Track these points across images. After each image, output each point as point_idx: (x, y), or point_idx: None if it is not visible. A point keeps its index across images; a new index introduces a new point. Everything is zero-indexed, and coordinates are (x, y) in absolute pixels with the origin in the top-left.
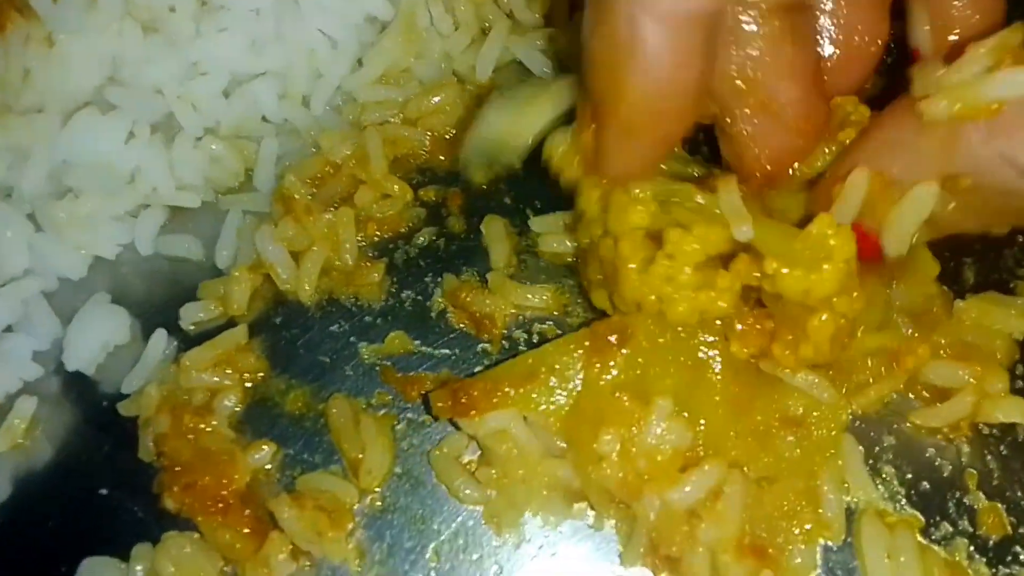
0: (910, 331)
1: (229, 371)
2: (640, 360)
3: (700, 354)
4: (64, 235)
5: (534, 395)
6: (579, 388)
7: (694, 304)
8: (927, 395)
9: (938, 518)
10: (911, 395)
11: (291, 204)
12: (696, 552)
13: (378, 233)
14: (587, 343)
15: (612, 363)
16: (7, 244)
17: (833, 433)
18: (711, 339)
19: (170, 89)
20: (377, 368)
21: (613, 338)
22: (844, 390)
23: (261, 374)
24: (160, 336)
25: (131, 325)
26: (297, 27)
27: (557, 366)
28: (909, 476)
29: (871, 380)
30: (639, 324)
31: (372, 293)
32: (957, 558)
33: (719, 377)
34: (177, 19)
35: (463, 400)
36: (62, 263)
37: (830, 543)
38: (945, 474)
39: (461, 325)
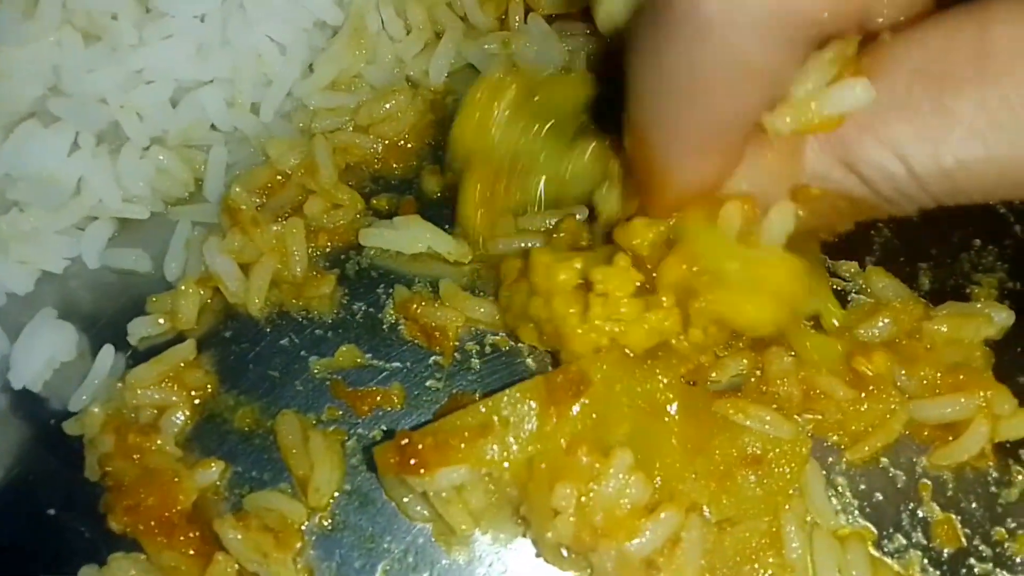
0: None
1: (176, 388)
2: (596, 408)
3: (655, 396)
4: (9, 250)
5: (487, 449)
6: (534, 440)
7: (648, 329)
8: (927, 434)
9: (891, 530)
10: (915, 439)
11: (238, 215)
12: None
13: (329, 244)
14: (543, 394)
15: (569, 414)
16: None
17: (795, 468)
18: (665, 380)
19: (114, 98)
20: (328, 383)
21: (571, 391)
22: (839, 440)
23: (209, 389)
24: (107, 352)
25: (78, 341)
26: (244, 33)
27: (511, 418)
28: (862, 487)
29: (867, 429)
30: (595, 371)
31: (323, 305)
32: (910, 571)
33: (675, 418)
34: (119, 26)
35: (411, 457)
36: (8, 278)
37: None
38: (899, 486)
39: (413, 337)
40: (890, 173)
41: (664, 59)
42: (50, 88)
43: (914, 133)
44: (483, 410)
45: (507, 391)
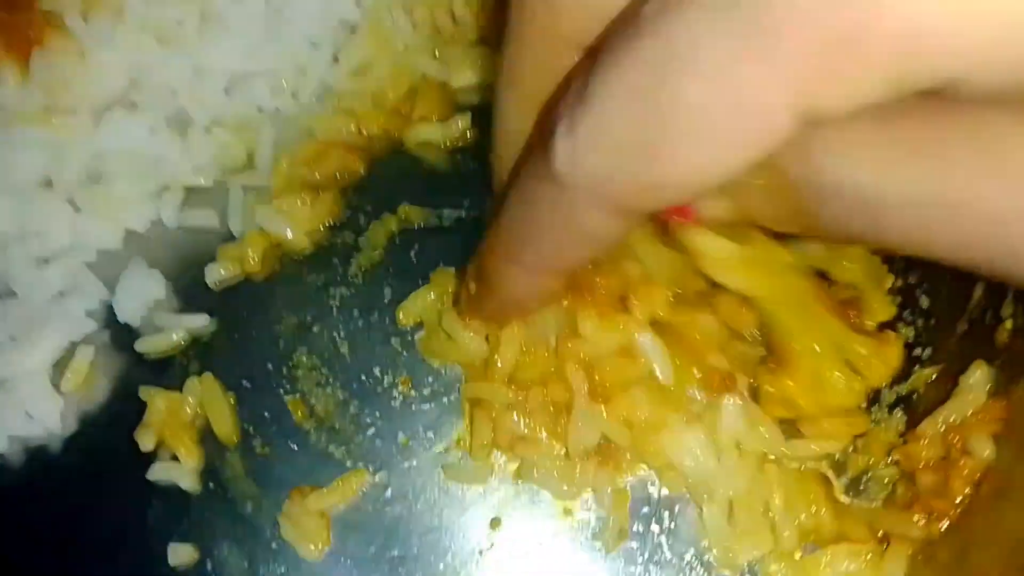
0: None
1: None
2: None
3: None
4: (101, 214)
5: None
6: None
7: None
8: None
9: None
10: None
11: (287, 181)
12: None
13: None
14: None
15: None
16: (52, 225)
17: None
18: None
19: (182, 89)
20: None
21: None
22: None
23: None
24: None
25: (166, 285)
26: (283, 33)
27: None
28: None
29: None
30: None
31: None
32: None
33: None
34: (184, 31)
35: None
36: (100, 237)
37: None
38: None
39: None
40: None
41: (528, 190)
42: (131, 81)
43: None
44: None
45: None
